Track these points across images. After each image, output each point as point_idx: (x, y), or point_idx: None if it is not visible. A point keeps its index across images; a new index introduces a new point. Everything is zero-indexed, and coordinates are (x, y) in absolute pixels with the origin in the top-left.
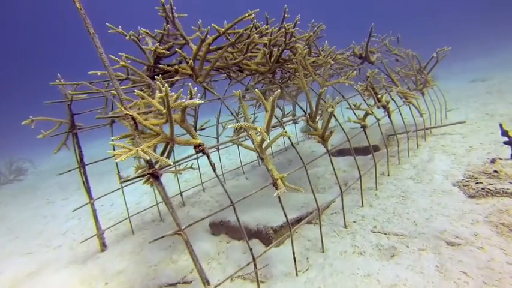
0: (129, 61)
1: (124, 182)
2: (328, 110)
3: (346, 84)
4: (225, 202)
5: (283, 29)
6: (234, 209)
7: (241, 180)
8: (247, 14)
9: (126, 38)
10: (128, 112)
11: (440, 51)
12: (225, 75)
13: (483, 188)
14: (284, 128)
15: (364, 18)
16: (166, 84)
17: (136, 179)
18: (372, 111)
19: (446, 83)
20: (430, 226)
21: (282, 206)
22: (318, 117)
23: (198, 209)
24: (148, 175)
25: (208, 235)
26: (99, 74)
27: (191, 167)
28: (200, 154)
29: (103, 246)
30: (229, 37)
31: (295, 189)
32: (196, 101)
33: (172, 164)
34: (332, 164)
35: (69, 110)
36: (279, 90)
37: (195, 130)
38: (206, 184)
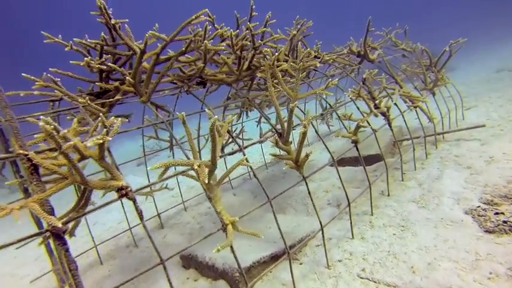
0: (60, 78)
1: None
2: (301, 131)
3: (345, 92)
4: (207, 224)
5: (248, 31)
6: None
7: (228, 197)
8: (194, 17)
9: (66, 49)
10: (21, 151)
11: (454, 44)
12: (183, 88)
13: (505, 221)
14: (245, 155)
15: (373, 11)
16: (52, 121)
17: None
18: (369, 122)
19: (466, 74)
20: (431, 277)
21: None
22: (291, 138)
23: (176, 232)
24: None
25: (178, 268)
26: (22, 95)
27: (166, 187)
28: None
29: (61, 282)
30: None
31: (252, 235)
32: (100, 140)
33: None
34: (310, 196)
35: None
36: (230, 117)
37: (171, 146)
38: (190, 202)
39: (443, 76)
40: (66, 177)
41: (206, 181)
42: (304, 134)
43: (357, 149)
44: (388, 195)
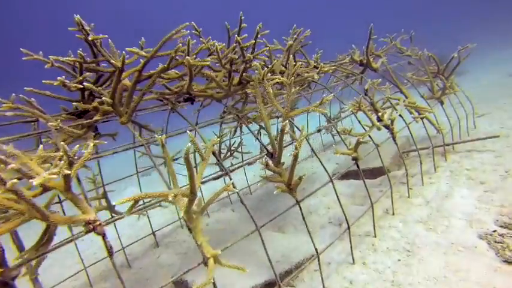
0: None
1: None
2: (293, 153)
3: (345, 105)
4: None
5: (236, 43)
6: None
7: (226, 213)
8: (174, 32)
9: (46, 66)
10: None
11: (463, 50)
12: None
13: None
14: (231, 179)
15: (377, 17)
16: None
17: None
18: (371, 136)
19: (476, 79)
20: None
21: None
22: (283, 159)
23: (171, 251)
24: None
25: None
26: None
27: (160, 205)
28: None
29: None
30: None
31: (236, 269)
32: (53, 175)
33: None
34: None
35: None
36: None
37: (164, 164)
38: None
39: (452, 83)
40: (23, 213)
41: (184, 213)
42: (295, 156)
43: (358, 167)
44: (393, 214)
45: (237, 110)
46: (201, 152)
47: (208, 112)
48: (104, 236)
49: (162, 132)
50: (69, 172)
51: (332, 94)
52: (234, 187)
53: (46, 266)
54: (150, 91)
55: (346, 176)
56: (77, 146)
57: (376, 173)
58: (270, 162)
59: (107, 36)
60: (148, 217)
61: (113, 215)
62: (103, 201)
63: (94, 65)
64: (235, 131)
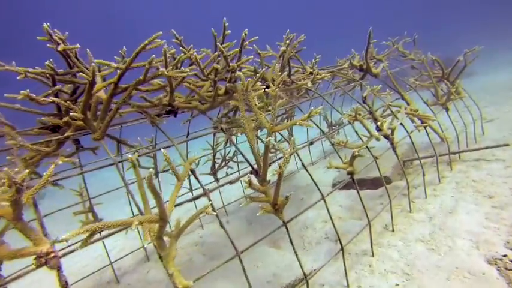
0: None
1: None
2: (277, 171)
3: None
4: (196, 257)
5: (220, 53)
6: None
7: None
8: (147, 42)
9: (18, 78)
10: None
11: (469, 53)
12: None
13: None
14: (210, 200)
15: (380, 20)
16: None
17: None
18: (368, 147)
19: (486, 80)
20: None
21: None
22: (269, 177)
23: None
24: None
25: None
26: None
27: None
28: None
29: None
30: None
31: None
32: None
33: None
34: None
35: None
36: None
37: (156, 174)
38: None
39: (458, 88)
40: None
41: (155, 240)
42: (279, 175)
43: (353, 181)
44: (393, 230)
45: (228, 119)
46: (176, 172)
47: (202, 120)
48: (58, 269)
49: (151, 142)
50: (4, 204)
51: (321, 106)
52: (213, 209)
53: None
54: (129, 103)
55: (346, 185)
56: (27, 171)
57: (377, 183)
58: (255, 180)
59: (79, 46)
60: (138, 230)
61: None
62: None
63: (70, 76)
64: (227, 141)
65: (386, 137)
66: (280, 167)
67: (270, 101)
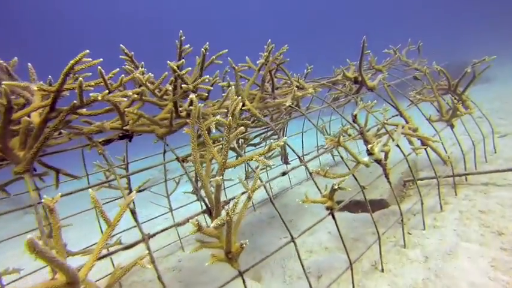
0: None
1: None
2: (220, 219)
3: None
4: (172, 285)
5: (174, 73)
6: None
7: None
8: (73, 62)
9: None
10: None
11: (478, 64)
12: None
13: None
14: (149, 250)
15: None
16: None
17: None
18: (354, 176)
19: (504, 88)
20: None
21: None
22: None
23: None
24: None
25: None
26: None
27: (119, 243)
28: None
29: None
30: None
31: None
32: None
33: None
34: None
35: None
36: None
37: (129, 190)
38: (161, 252)
39: (466, 102)
40: None
41: None
42: (229, 222)
43: (333, 217)
44: (382, 270)
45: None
46: (105, 216)
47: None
48: None
49: (123, 161)
50: None
51: (285, 137)
52: (151, 258)
53: None
54: (70, 127)
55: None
56: None
57: (374, 205)
58: (205, 223)
59: (16, 59)
60: (110, 258)
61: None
62: None
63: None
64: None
65: (378, 161)
66: (227, 214)
67: (241, 120)
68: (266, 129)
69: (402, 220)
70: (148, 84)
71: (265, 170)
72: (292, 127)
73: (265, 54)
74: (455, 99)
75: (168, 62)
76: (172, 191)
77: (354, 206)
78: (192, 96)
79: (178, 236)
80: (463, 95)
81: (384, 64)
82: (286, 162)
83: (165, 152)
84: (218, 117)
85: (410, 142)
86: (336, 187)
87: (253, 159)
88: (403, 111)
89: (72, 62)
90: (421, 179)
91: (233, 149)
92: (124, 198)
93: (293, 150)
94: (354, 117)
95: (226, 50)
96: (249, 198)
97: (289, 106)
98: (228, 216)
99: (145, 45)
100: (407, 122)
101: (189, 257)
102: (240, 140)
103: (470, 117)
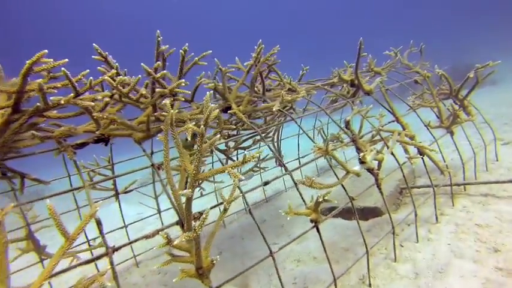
0: None
1: None
2: (187, 235)
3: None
4: None
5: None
6: None
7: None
8: (30, 62)
9: None
10: None
11: (481, 69)
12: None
13: None
14: (111, 264)
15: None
16: None
17: None
18: (343, 186)
19: (509, 90)
20: None
21: None
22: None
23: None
24: None
25: None
26: None
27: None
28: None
29: None
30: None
31: None
32: None
33: None
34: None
35: None
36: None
37: (117, 196)
38: (146, 255)
39: (468, 108)
40: None
41: None
42: (196, 239)
43: (318, 230)
44: (370, 285)
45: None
46: (62, 230)
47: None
48: None
49: (109, 162)
50: None
51: (261, 151)
52: (114, 273)
53: None
54: (41, 129)
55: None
56: None
57: (368, 213)
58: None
59: None
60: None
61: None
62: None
63: None
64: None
65: (370, 171)
66: (195, 230)
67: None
68: (255, 133)
69: (394, 232)
70: (120, 87)
71: (259, 172)
72: (290, 128)
73: (255, 55)
74: (454, 105)
75: (142, 64)
76: (161, 192)
77: (348, 213)
78: (166, 101)
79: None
80: (465, 100)
81: (383, 66)
82: (281, 164)
83: (152, 153)
84: (191, 124)
85: (406, 151)
86: (320, 200)
87: (226, 171)
88: (400, 117)
89: (29, 62)
90: (418, 187)
91: (223, 152)
92: (90, 206)
93: (277, 157)
94: (347, 124)
95: (210, 51)
96: (225, 210)
97: (279, 110)
98: (194, 233)
99: (140, 45)
100: (404, 129)
101: (166, 268)
102: (229, 143)
103: (472, 123)
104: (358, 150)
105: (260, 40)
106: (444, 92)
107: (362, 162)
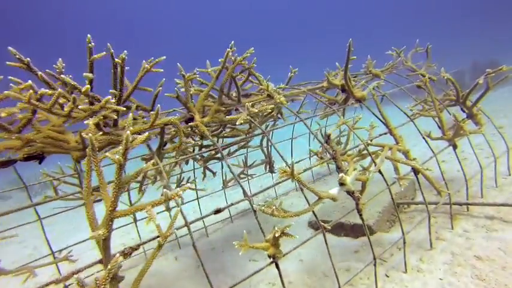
0: None
1: None
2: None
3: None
4: None
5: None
6: None
7: (167, 261)
8: None
9: None
10: None
11: (492, 74)
12: None
13: None
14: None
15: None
16: None
17: None
18: (314, 212)
19: None
20: None
21: None
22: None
23: None
24: None
25: None
26: None
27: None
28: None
29: None
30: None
31: None
32: None
33: None
34: None
35: None
36: None
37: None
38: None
39: (477, 116)
40: None
41: None
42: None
43: (277, 268)
44: None
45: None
46: None
47: None
48: None
49: (75, 171)
50: None
51: (184, 189)
52: None
53: None
54: None
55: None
56: None
57: (358, 230)
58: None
59: None
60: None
61: None
62: None
63: None
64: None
65: (350, 193)
66: (108, 273)
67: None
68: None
69: (375, 264)
70: (35, 102)
71: (246, 179)
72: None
73: (222, 60)
74: (457, 115)
75: (63, 76)
76: (136, 201)
77: (337, 229)
78: (89, 121)
79: (143, 249)
80: (474, 108)
81: (383, 68)
82: (271, 170)
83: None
84: (108, 154)
85: (396, 169)
86: (277, 235)
87: (145, 209)
88: (394, 129)
89: None
90: (416, 203)
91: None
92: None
93: (233, 174)
94: (327, 138)
95: (164, 57)
96: (160, 246)
97: (251, 121)
98: (107, 275)
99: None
100: (397, 143)
101: (151, 272)
102: (210, 152)
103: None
104: (338, 169)
105: (232, 42)
106: (451, 98)
107: (341, 183)
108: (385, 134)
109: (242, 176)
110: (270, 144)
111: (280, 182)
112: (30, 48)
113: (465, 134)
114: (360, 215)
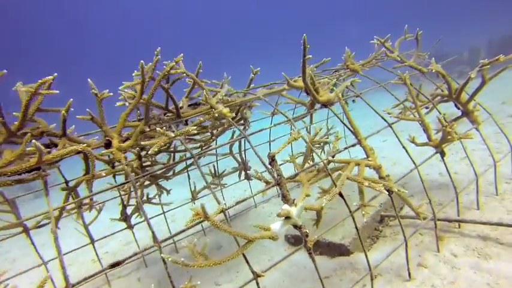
0: None
1: None
2: None
3: None
4: None
5: None
6: None
7: (130, 281)
8: None
9: None
10: None
11: (487, 66)
12: None
13: None
14: None
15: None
16: None
17: None
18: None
19: None
20: None
21: None
22: None
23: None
24: None
25: None
26: None
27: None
28: None
29: None
30: None
31: None
32: None
33: None
34: None
35: None
36: None
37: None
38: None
39: (474, 112)
40: None
41: None
42: None
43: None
44: None
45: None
46: None
47: None
48: None
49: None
50: None
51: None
52: None
53: None
54: None
55: (299, 242)
56: None
57: (334, 249)
58: None
59: None
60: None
61: None
62: None
63: None
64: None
65: (297, 227)
66: None
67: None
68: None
69: None
70: None
71: (219, 189)
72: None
73: (137, 73)
74: (442, 119)
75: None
76: (92, 219)
77: (319, 246)
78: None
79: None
80: (470, 104)
81: (365, 61)
82: (247, 177)
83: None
84: None
85: (361, 192)
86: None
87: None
88: (363, 140)
89: None
90: (402, 217)
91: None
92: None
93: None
94: (271, 159)
95: (56, 73)
96: None
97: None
98: None
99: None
100: (367, 156)
101: (150, 274)
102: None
103: (478, 128)
104: (284, 199)
105: (159, 48)
106: (441, 94)
107: (287, 217)
108: (354, 145)
109: (212, 186)
110: (243, 149)
111: (242, 201)
112: None
113: (454, 139)
114: (313, 261)
